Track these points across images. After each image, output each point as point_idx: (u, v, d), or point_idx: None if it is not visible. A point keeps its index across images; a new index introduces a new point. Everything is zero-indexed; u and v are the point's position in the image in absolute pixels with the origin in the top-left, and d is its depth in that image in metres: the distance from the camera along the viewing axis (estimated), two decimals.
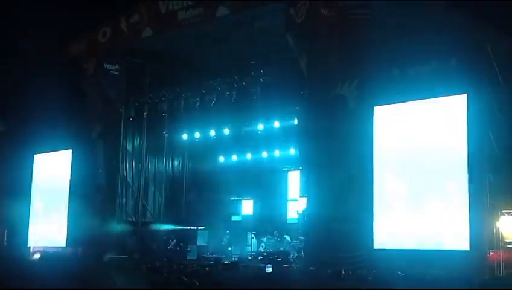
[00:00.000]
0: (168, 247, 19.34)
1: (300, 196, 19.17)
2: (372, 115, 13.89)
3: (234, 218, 20.54)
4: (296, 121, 18.23)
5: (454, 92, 12.79)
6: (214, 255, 18.30)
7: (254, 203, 20.99)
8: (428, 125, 13.12)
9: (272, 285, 12.16)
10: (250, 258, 17.72)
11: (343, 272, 12.31)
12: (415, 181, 13.13)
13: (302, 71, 15.39)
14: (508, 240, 12.79)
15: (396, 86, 13.49)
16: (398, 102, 13.65)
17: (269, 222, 19.67)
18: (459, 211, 12.39)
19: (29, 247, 20.73)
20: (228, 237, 19.94)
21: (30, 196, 21.48)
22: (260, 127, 19.37)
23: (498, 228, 12.73)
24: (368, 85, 13.89)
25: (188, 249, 19.53)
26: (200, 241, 20.10)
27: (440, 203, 12.69)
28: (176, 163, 22.05)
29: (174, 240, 19.56)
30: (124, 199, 20.28)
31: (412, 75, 13.36)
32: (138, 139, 21.05)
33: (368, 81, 13.88)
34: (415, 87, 13.18)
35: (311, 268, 13.27)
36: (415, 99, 13.38)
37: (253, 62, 18.61)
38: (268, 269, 14.34)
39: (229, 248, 19.48)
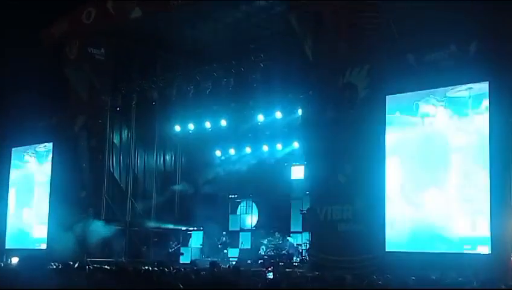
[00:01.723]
0: (170, 250, 19.42)
1: (304, 194, 19.22)
2: (385, 104, 13.90)
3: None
4: (300, 111, 18.25)
5: (475, 79, 12.80)
6: (209, 259, 18.34)
7: (254, 201, 21.03)
8: (446, 115, 13.12)
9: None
10: (249, 261, 17.78)
11: (351, 278, 12.32)
12: (431, 177, 13.15)
13: (307, 56, 15.37)
14: None
15: (411, 73, 13.49)
16: (413, 91, 13.66)
17: (270, 221, 19.73)
18: (479, 209, 12.43)
19: (7, 250, 20.77)
20: (224, 238, 20.00)
21: (7, 193, 21.52)
22: (260, 117, 19.36)
23: None
24: (380, 72, 13.89)
25: (181, 251, 19.60)
26: (195, 243, 20.17)
27: (459, 200, 12.72)
28: (167, 157, 22.04)
29: (176, 242, 19.65)
30: (111, 197, 20.30)
31: (429, 62, 13.37)
32: (126, 131, 21.04)
33: (380, 68, 13.89)
34: (432, 75, 13.19)
35: (317, 273, 13.29)
36: (431, 88, 13.37)
37: (252, 46, 18.59)
38: (269, 275, 14.38)
39: (225, 251, 19.54)
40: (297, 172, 20.08)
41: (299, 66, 16.68)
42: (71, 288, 10.35)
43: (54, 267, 15.68)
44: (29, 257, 18.16)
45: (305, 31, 15.31)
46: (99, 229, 19.27)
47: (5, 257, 20.07)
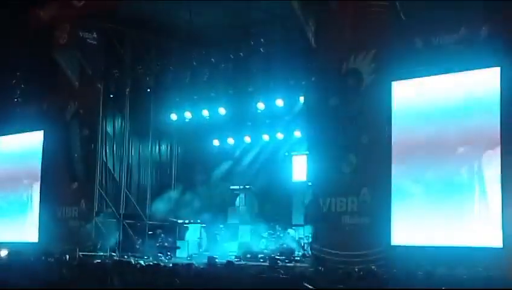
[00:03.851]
0: (157, 243, 19.36)
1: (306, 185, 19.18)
2: (390, 91, 13.84)
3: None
4: (302, 99, 18.17)
5: (485, 64, 12.73)
6: (206, 253, 18.33)
7: (253, 193, 20.97)
8: (455, 103, 13.08)
9: (273, 288, 12.16)
10: (248, 256, 17.77)
11: (356, 273, 12.31)
12: (439, 167, 13.10)
13: (309, 41, 15.29)
14: None
15: (418, 58, 13.44)
16: (421, 76, 13.60)
17: (270, 214, 19.69)
18: (490, 201, 12.38)
19: None
20: (222, 232, 19.97)
21: None
22: (260, 105, 19.28)
23: None
24: (386, 57, 13.82)
25: (178, 245, 19.58)
26: (192, 237, 20.13)
27: (469, 191, 12.68)
28: (163, 147, 22.02)
29: (162, 235, 19.59)
30: (104, 188, 20.27)
31: (437, 46, 13.30)
32: (120, 120, 20.99)
33: (386, 53, 13.82)
34: (440, 60, 13.14)
35: (320, 268, 13.29)
36: (440, 74, 13.32)
37: (252, 30, 18.50)
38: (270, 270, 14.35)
39: (223, 245, 19.50)
40: (299, 162, 20.02)
41: (301, 52, 16.60)
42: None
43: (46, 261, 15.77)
44: (22, 250, 18.28)
45: (307, 14, 15.21)
46: (91, 221, 19.26)
47: None
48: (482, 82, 12.80)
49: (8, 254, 19.16)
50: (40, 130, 20.50)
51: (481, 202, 12.58)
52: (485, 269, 11.38)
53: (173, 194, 21.08)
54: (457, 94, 13.11)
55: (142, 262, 16.67)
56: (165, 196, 20.77)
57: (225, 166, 21.21)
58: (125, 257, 18.20)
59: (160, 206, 20.55)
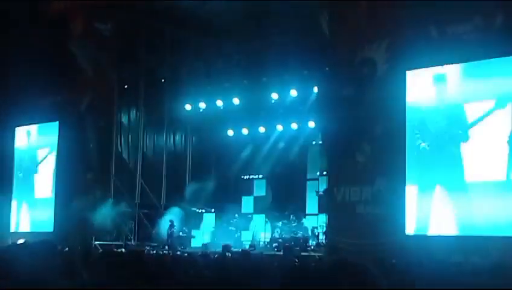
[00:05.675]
0: (172, 233, 19.42)
1: (320, 175, 19.16)
2: (405, 80, 13.77)
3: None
4: (316, 89, 18.12)
5: (500, 53, 12.62)
6: (221, 242, 18.34)
7: (268, 182, 20.99)
8: (471, 92, 12.99)
9: (286, 276, 12.15)
10: (263, 245, 17.78)
11: (369, 262, 12.26)
12: (457, 157, 13.02)
13: (323, 31, 15.23)
14: None
15: (433, 47, 13.34)
16: (435, 65, 13.51)
17: (285, 204, 19.70)
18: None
19: (12, 233, 20.89)
20: (237, 221, 20.00)
21: (12, 175, 21.59)
22: (274, 96, 19.25)
23: None
24: (400, 46, 13.74)
25: (193, 234, 19.64)
26: (206, 226, 20.19)
27: (488, 183, 12.58)
28: (177, 137, 22.04)
29: (177, 224, 19.65)
30: (119, 178, 20.33)
31: (452, 35, 13.20)
32: (134, 110, 21.03)
33: (400, 42, 13.74)
34: (455, 49, 13.03)
35: (333, 257, 13.26)
36: (454, 63, 13.23)
37: (266, 20, 18.45)
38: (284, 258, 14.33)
39: (237, 234, 19.55)
40: (313, 152, 20.00)
41: (315, 41, 16.54)
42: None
43: (60, 250, 15.84)
44: (38, 240, 18.38)
45: (321, 3, 15.15)
46: (107, 211, 19.34)
47: (10, 240, 20.18)
48: (497, 70, 12.67)
49: (25, 242, 19.25)
50: (55, 120, 20.55)
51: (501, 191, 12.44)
52: (500, 258, 11.31)
53: (188, 183, 21.13)
54: (472, 82, 12.99)
55: (157, 251, 16.76)
56: (180, 186, 20.83)
57: (239, 156, 21.20)
58: (140, 246, 18.28)
59: (175, 196, 20.62)
